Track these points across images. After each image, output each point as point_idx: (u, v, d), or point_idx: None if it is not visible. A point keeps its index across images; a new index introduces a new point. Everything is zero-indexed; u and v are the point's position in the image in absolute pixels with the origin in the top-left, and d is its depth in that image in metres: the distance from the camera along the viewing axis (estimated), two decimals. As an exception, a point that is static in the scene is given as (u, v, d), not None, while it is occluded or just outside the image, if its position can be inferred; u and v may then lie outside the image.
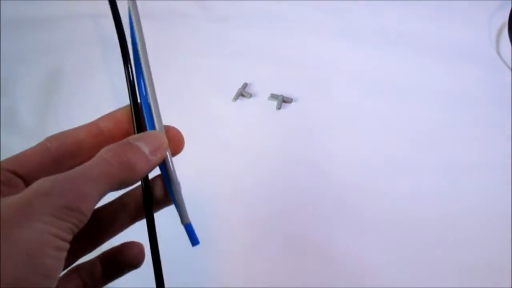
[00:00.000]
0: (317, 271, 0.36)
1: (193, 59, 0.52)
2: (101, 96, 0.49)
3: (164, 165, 0.24)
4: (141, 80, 0.25)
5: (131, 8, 0.27)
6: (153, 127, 0.24)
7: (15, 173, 0.22)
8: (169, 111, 0.47)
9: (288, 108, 0.47)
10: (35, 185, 0.19)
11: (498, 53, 0.49)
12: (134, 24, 0.26)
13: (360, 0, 0.55)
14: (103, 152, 0.21)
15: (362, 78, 0.48)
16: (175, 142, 0.25)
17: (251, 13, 0.56)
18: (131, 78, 0.25)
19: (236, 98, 0.47)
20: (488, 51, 0.49)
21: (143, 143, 0.22)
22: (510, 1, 0.51)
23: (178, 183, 0.24)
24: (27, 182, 0.22)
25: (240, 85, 0.48)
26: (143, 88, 0.25)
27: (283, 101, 0.47)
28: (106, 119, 0.25)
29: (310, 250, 0.38)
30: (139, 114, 0.25)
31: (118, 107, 0.26)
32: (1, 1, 0.58)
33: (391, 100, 0.46)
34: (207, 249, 0.38)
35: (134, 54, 0.25)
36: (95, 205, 0.20)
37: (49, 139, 0.24)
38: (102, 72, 0.51)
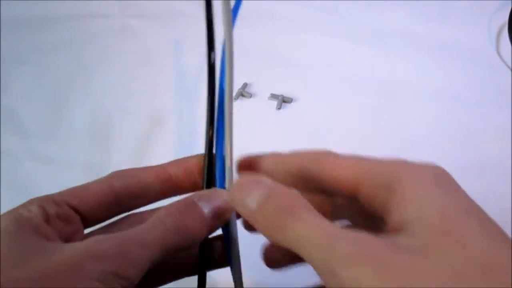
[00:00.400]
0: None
1: (193, 59, 0.52)
2: (101, 96, 0.49)
3: (226, 229, 0.23)
4: (221, 133, 0.23)
5: (226, 43, 0.21)
6: (223, 185, 0.22)
7: (75, 209, 0.21)
8: (169, 111, 0.47)
9: (288, 108, 0.47)
10: (88, 244, 0.18)
11: (498, 53, 0.49)
12: (226, 67, 0.22)
13: (361, 0, 0.55)
14: (162, 214, 0.20)
15: (362, 78, 0.48)
16: None
17: (251, 13, 0.56)
18: (212, 130, 0.23)
19: (236, 98, 0.47)
20: (488, 51, 0.49)
21: (206, 203, 0.21)
22: (510, 1, 0.51)
23: (237, 248, 0.23)
24: (84, 219, 0.21)
25: (240, 85, 0.48)
26: (221, 140, 0.23)
27: (283, 101, 0.47)
28: (176, 165, 0.24)
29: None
30: (212, 167, 0.23)
31: (192, 154, 0.24)
32: (1, 1, 0.58)
33: (391, 100, 0.46)
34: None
35: (220, 104, 0.23)
36: (144, 272, 0.19)
37: (114, 175, 0.23)
38: (102, 72, 0.51)
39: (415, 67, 0.49)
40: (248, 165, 0.23)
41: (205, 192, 0.22)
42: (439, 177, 0.18)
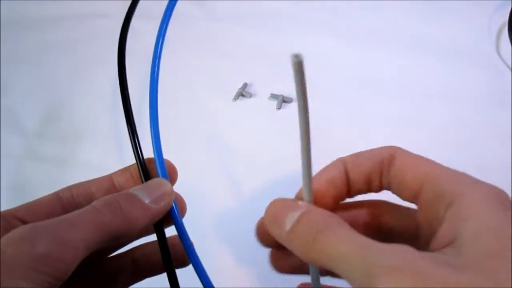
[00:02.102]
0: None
1: (193, 59, 0.52)
2: (101, 96, 0.49)
3: (172, 218, 0.23)
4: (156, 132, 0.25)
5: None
6: (164, 174, 0.23)
7: (23, 221, 0.21)
8: (169, 111, 0.47)
9: (288, 108, 0.47)
10: (10, 233, 0.17)
11: (498, 53, 0.49)
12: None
13: (361, 0, 0.55)
14: (94, 202, 0.20)
15: (362, 78, 0.48)
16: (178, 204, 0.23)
17: (251, 13, 0.56)
18: (133, 132, 0.24)
19: (236, 98, 0.47)
20: (488, 51, 0.49)
21: (143, 191, 0.21)
22: (510, 1, 0.51)
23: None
24: None
25: (240, 85, 0.48)
26: (156, 143, 0.24)
27: (283, 101, 0.47)
28: (120, 173, 0.24)
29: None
30: (145, 165, 0.24)
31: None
32: (1, 1, 0.58)
33: (391, 100, 0.46)
34: (206, 249, 0.38)
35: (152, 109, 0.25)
36: (81, 256, 0.18)
37: (63, 189, 0.23)
38: (102, 72, 0.51)
39: (415, 67, 0.49)
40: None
41: (142, 184, 0.22)
42: (501, 200, 0.18)
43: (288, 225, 0.19)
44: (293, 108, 0.47)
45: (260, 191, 0.41)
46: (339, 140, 0.43)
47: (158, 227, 0.22)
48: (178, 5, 0.63)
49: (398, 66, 0.49)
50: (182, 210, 0.24)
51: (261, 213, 0.42)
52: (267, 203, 0.42)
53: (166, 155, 0.48)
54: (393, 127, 0.44)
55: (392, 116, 0.45)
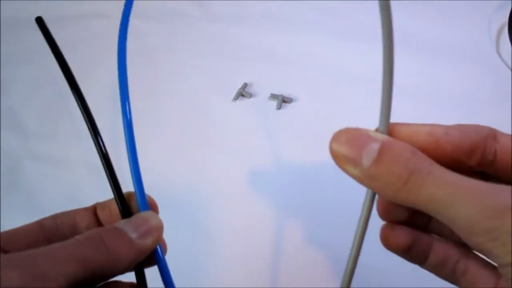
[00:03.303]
0: (318, 272, 0.36)
1: (193, 59, 0.52)
2: (101, 96, 0.49)
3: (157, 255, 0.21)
4: (133, 148, 0.23)
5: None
6: (145, 208, 0.21)
7: (3, 250, 0.20)
8: (169, 111, 0.47)
9: (288, 108, 0.47)
10: None
11: (498, 53, 0.49)
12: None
13: (361, 0, 0.55)
14: (78, 235, 0.19)
15: (362, 78, 0.48)
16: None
17: (251, 13, 0.56)
18: (103, 151, 0.23)
19: (236, 98, 0.47)
20: (488, 51, 0.49)
21: (130, 226, 0.20)
22: (510, 1, 0.51)
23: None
24: None
25: (240, 85, 0.48)
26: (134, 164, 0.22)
27: (283, 101, 0.47)
28: (101, 206, 0.23)
29: (310, 249, 0.38)
30: (123, 198, 0.22)
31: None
32: (1, 1, 0.59)
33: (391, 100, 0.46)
34: (206, 249, 0.38)
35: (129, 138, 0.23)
36: None
37: (47, 218, 0.22)
38: (102, 72, 0.51)
39: (415, 67, 0.49)
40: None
41: (129, 218, 0.21)
42: None
43: (366, 161, 0.17)
44: (293, 108, 0.47)
45: (259, 191, 0.41)
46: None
47: (138, 268, 0.21)
48: (178, 5, 0.63)
49: (397, 66, 0.49)
50: (163, 249, 0.22)
51: (261, 213, 0.42)
52: (267, 203, 0.42)
53: (166, 155, 0.48)
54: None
55: (391, 116, 0.45)
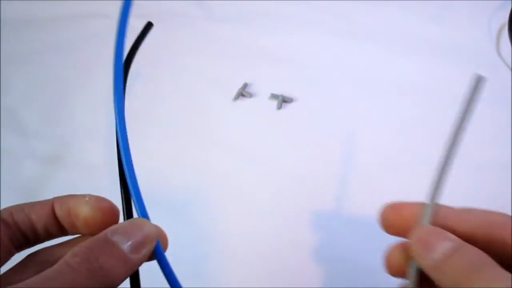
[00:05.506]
0: (318, 272, 0.36)
1: (193, 59, 0.52)
2: (101, 96, 0.49)
3: (158, 261, 0.20)
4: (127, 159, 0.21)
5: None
6: (144, 214, 0.20)
7: None
8: (169, 111, 0.47)
9: (288, 108, 0.47)
10: None
11: (498, 53, 0.49)
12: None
13: (361, 0, 0.55)
14: (68, 256, 0.17)
15: (362, 78, 0.48)
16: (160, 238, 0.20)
17: (251, 13, 0.56)
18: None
19: (236, 98, 0.47)
20: (488, 51, 0.49)
21: (122, 237, 0.18)
22: (510, 1, 0.51)
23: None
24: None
25: (240, 85, 0.48)
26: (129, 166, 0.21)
27: (283, 101, 0.47)
28: (59, 203, 0.21)
29: (310, 249, 0.38)
30: (128, 196, 0.20)
31: None
32: (1, 1, 0.58)
33: (391, 100, 0.46)
34: (206, 248, 0.38)
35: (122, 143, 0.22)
36: None
37: (3, 211, 0.21)
38: (102, 72, 0.51)
39: (415, 67, 0.49)
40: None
41: (120, 225, 0.19)
42: None
43: (439, 254, 0.18)
44: (293, 108, 0.47)
45: (259, 191, 0.41)
46: (339, 140, 0.43)
47: (133, 278, 0.20)
48: (178, 5, 0.63)
49: (398, 66, 0.49)
50: (164, 246, 0.21)
51: (260, 213, 0.42)
52: (267, 203, 0.42)
53: (166, 155, 0.48)
54: (393, 127, 0.44)
55: (391, 115, 0.45)
